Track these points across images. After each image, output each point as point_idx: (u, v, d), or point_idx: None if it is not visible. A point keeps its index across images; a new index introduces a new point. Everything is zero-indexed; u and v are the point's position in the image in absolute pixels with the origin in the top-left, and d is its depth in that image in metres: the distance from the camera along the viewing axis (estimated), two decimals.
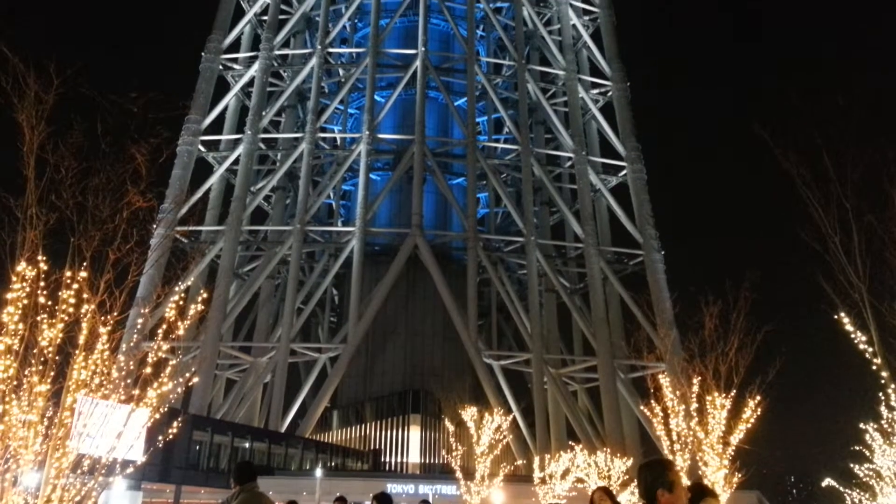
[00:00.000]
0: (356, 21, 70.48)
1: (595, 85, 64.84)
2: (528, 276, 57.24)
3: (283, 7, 65.18)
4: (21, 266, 8.00)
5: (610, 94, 63.88)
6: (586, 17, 67.92)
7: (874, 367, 11.79)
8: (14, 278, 7.89)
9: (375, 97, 60.54)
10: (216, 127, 61.63)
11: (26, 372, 8.16)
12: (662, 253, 57.14)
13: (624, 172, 61.05)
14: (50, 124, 9.47)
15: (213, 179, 59.57)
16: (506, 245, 60.60)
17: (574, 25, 66.50)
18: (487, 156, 61.34)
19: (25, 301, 8.11)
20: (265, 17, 63.70)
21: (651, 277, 55.67)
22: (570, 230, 61.91)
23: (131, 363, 9.26)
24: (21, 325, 8.04)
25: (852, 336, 11.40)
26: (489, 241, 59.41)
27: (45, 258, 8.16)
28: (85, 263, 8.39)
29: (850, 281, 10.96)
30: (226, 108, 62.21)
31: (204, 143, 59.65)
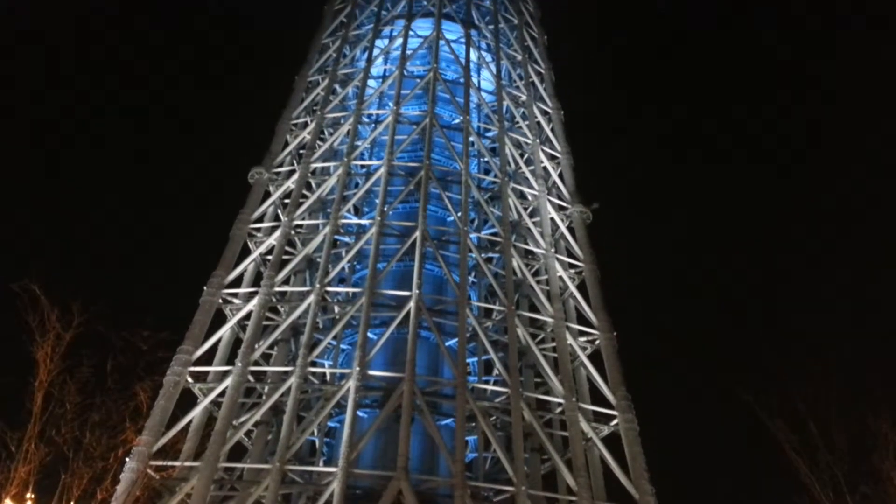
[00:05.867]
0: (355, 263, 74.34)
1: (582, 333, 66.62)
2: None
3: (287, 248, 69.16)
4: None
5: (597, 342, 65.43)
6: (572, 270, 71.99)
7: None
8: None
9: (368, 334, 61.57)
10: (207, 358, 61.72)
11: None
12: None
13: (615, 422, 60.15)
14: (63, 360, 9.76)
15: (196, 412, 58.02)
16: (495, 494, 57.52)
17: (560, 277, 70.28)
18: (477, 397, 60.76)
19: None
20: (269, 257, 67.20)
21: None
22: (563, 480, 59.16)
23: None
24: None
25: None
26: (478, 489, 56.40)
27: (32, 496, 7.95)
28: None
29: None
30: (219, 340, 62.77)
31: (192, 373, 59.28)
